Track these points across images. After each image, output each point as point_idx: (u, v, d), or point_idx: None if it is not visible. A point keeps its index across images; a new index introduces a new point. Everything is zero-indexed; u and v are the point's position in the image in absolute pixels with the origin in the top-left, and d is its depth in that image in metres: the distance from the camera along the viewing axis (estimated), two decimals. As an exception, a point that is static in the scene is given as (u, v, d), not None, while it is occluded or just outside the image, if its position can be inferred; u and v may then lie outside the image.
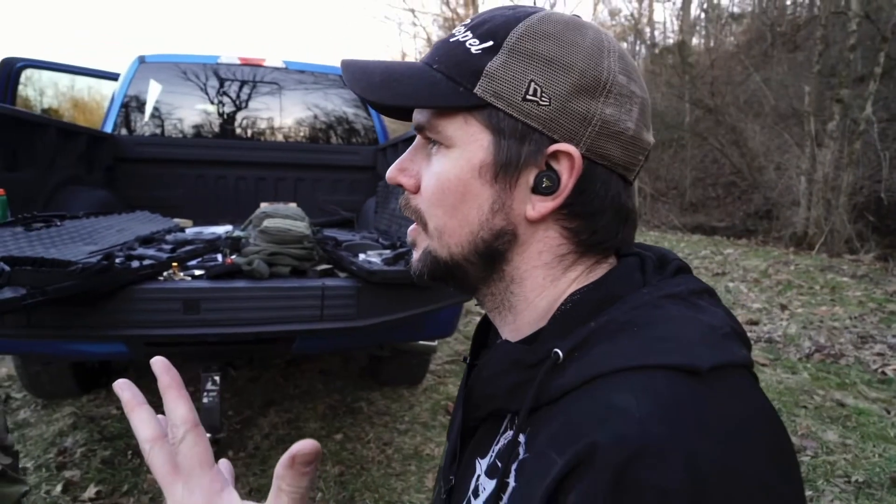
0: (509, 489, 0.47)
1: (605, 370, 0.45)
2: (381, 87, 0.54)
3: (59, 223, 2.28)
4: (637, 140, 0.53)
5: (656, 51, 17.19)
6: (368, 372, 3.44)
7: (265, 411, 2.98)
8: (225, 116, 4.07)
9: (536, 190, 0.52)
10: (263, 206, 2.68)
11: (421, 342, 2.85)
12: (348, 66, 0.56)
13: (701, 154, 13.57)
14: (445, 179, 0.54)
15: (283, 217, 2.19)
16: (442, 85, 0.52)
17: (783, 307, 4.94)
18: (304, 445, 0.43)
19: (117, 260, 1.83)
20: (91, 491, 2.22)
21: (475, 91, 0.51)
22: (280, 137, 4.15)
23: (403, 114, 0.58)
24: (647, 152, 0.55)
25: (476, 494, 0.54)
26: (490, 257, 0.55)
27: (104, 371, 3.22)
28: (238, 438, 2.69)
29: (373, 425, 2.87)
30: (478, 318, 2.82)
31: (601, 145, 0.51)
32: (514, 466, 0.48)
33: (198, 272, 1.98)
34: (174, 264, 1.97)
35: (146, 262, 1.91)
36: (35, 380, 2.88)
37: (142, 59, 3.84)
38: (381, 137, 4.12)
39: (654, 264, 0.55)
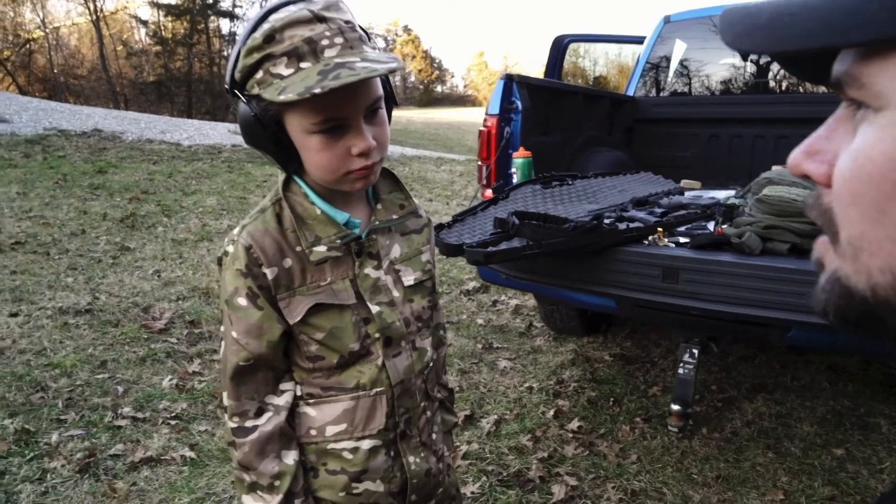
0: None
1: None
2: (762, 29, 0.35)
3: (570, 182, 2.54)
4: None
5: None
6: (896, 382, 2.73)
7: (752, 396, 2.72)
8: (747, 70, 3.75)
9: None
10: (774, 169, 2.37)
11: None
12: (729, 11, 0.39)
13: None
14: (865, 161, 0.33)
15: (790, 184, 1.87)
16: (871, 8, 0.31)
17: None
18: None
19: (606, 221, 1.92)
20: (575, 423, 2.48)
21: None
22: (814, 87, 3.57)
23: (820, 70, 0.38)
24: None
25: None
26: None
27: (605, 318, 3.51)
28: (716, 418, 2.54)
29: (891, 452, 2.28)
30: None
31: None
32: None
33: (682, 240, 1.90)
34: (660, 230, 1.94)
35: (633, 226, 1.94)
36: (548, 315, 3.37)
37: (667, 19, 3.86)
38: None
39: None
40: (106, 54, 26.33)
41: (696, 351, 2.11)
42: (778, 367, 3.01)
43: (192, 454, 2.22)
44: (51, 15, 28.45)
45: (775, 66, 3.70)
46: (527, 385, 2.85)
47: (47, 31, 26.97)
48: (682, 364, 2.13)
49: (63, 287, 3.84)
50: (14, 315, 3.35)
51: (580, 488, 2.08)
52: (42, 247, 4.61)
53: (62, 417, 2.42)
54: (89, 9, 26.38)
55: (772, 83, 3.73)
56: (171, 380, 2.76)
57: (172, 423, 2.43)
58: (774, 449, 2.31)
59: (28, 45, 26.26)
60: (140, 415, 2.46)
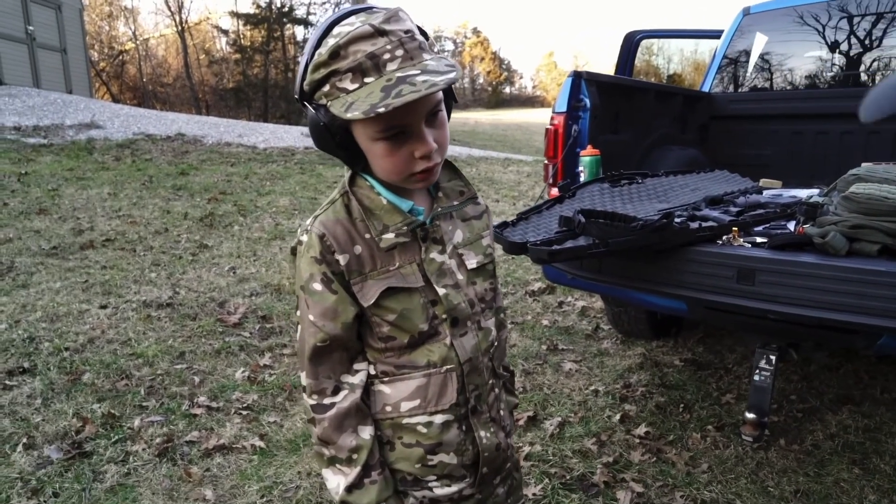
0: None
1: None
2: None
3: (640, 181, 2.47)
4: None
5: None
6: None
7: (837, 408, 2.56)
8: (836, 63, 3.53)
9: None
10: (864, 166, 2.22)
11: None
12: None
13: None
14: None
15: (881, 181, 1.75)
16: None
17: None
18: None
19: (677, 220, 1.85)
20: (642, 429, 2.40)
21: None
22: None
23: None
24: None
25: None
26: None
27: (675, 322, 3.39)
28: (796, 429, 2.40)
29: None
30: None
31: None
32: None
33: (759, 240, 1.81)
34: (735, 229, 1.85)
35: (705, 224, 1.86)
36: (616, 317, 3.29)
37: (746, 11, 3.69)
38: None
39: None
40: (190, 63, 27.77)
41: (773, 357, 2.01)
42: (866, 378, 2.82)
43: (261, 444, 2.29)
44: (141, 28, 30.32)
45: (867, 58, 3.47)
46: (592, 388, 2.79)
47: (138, 42, 28.73)
48: (757, 371, 2.02)
49: (147, 282, 4.06)
50: (104, 307, 3.58)
51: (647, 495, 2.02)
52: (129, 244, 4.90)
53: (144, 404, 2.56)
54: (175, 21, 27.91)
55: (863, 76, 3.50)
56: (243, 372, 2.87)
57: (244, 413, 2.52)
58: (861, 465, 2.16)
59: (121, 57, 28.05)
60: (214, 404, 2.57)
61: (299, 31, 29.12)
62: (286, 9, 27.95)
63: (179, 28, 27.76)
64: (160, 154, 8.66)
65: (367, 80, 0.82)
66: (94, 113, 10.56)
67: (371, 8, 0.86)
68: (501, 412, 1.07)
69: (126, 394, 2.63)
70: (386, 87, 0.80)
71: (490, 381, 1.03)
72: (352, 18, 0.84)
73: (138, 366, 2.89)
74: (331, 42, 0.83)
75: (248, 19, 28.07)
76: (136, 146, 8.96)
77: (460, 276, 0.99)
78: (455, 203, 1.01)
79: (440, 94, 0.89)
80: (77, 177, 6.99)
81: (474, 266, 1.01)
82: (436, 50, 0.91)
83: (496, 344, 1.06)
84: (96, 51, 26.44)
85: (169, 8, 28.10)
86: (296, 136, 10.94)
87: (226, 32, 30.28)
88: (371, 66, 0.81)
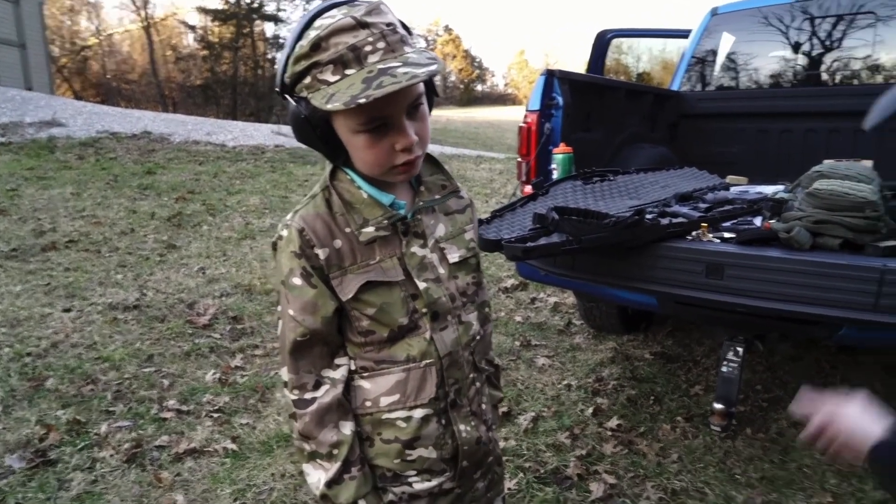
0: None
1: None
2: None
3: (611, 178, 2.50)
4: None
5: None
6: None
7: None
8: (799, 63, 3.61)
9: None
10: (826, 163, 2.28)
11: None
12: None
13: None
14: None
15: (842, 178, 1.80)
16: None
17: None
18: None
19: (648, 216, 1.87)
20: (614, 422, 2.44)
21: None
22: (869, 79, 3.42)
23: None
24: None
25: None
26: None
27: (645, 317, 3.44)
28: (761, 418, 2.46)
29: (951, 458, 2.16)
30: None
31: None
32: None
33: (727, 235, 1.85)
34: (703, 225, 1.88)
35: (675, 221, 1.89)
36: (588, 313, 3.32)
37: (714, 12, 3.76)
38: None
39: None
40: (156, 59, 27.23)
41: (740, 349, 2.05)
42: (827, 368, 2.90)
43: (233, 446, 2.26)
44: (105, 23, 29.63)
45: (828, 58, 3.57)
46: (565, 382, 2.81)
47: (101, 38, 28.06)
48: (725, 362, 2.07)
49: (113, 284, 3.97)
50: (67, 310, 3.49)
51: (619, 486, 2.05)
52: (94, 245, 4.79)
53: (111, 409, 2.50)
54: (141, 16, 27.33)
55: (825, 76, 3.60)
56: (214, 374, 2.82)
57: (215, 415, 2.48)
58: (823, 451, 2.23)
59: (83, 52, 27.36)
60: (184, 407, 2.53)
61: (269, 28, 28.76)
62: (256, 4, 27.56)
63: (145, 23, 27.22)
64: (125, 153, 8.47)
65: (348, 71, 0.82)
66: (56, 110, 10.27)
67: (353, 0, 0.86)
68: (483, 406, 1.07)
69: (92, 399, 2.57)
70: (367, 78, 0.80)
71: (471, 375, 1.03)
72: (333, 11, 0.84)
73: (104, 370, 2.82)
74: (312, 34, 0.83)
75: (216, 15, 27.57)
76: (99, 144, 8.74)
77: (441, 271, 0.99)
78: (437, 197, 1.01)
79: (421, 87, 0.90)
80: (38, 176, 6.79)
81: (456, 260, 1.01)
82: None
83: (478, 338, 1.06)
84: (57, 46, 25.74)
85: (134, 3, 27.53)
86: (266, 134, 10.80)
87: (193, 28, 29.71)
88: (352, 57, 0.81)
